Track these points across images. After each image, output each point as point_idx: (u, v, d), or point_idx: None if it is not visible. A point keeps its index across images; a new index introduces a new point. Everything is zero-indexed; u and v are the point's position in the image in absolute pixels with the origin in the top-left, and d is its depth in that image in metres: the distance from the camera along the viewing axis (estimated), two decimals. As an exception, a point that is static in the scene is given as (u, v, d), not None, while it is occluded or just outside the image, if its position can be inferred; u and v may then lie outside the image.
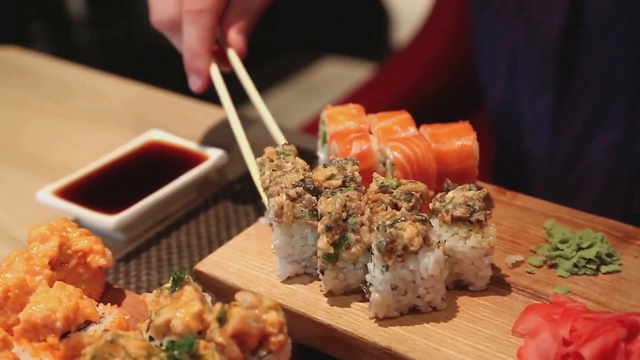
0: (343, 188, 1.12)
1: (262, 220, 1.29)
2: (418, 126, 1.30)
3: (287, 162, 1.20)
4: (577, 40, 1.61)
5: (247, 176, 1.59)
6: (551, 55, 1.66)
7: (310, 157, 1.58)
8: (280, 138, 1.34)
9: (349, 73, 4.49)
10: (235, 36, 1.45)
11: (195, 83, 1.43)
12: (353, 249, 1.08)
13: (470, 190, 1.11)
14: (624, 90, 1.59)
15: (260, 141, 1.72)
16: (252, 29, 1.51)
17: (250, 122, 1.82)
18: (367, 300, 1.08)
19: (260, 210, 1.48)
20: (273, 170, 1.18)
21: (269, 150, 1.24)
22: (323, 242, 1.07)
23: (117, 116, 1.88)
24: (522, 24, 1.71)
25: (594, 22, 1.58)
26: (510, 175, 1.87)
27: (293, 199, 1.12)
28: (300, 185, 1.12)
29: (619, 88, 1.59)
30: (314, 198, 1.12)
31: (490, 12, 1.82)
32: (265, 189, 1.17)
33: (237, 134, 1.39)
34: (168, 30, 1.45)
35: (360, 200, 1.10)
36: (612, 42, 1.57)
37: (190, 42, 1.40)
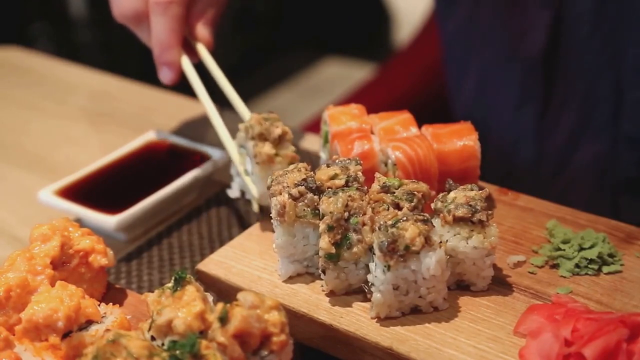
0: (345, 188, 1.12)
1: (230, 193, 1.32)
2: (420, 126, 1.30)
3: (276, 127, 1.21)
4: (559, 53, 1.61)
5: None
6: (534, 69, 1.65)
7: (312, 157, 1.58)
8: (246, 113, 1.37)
9: (350, 73, 4.49)
10: (202, 28, 1.45)
11: (166, 76, 1.43)
12: (355, 249, 1.08)
13: (472, 190, 1.11)
14: (606, 102, 1.59)
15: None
16: (219, 19, 1.50)
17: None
18: (369, 300, 1.09)
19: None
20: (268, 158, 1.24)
21: (255, 116, 1.25)
22: (325, 242, 1.07)
23: (119, 116, 1.88)
24: (498, 41, 1.70)
25: (575, 34, 1.58)
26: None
27: (295, 198, 1.12)
28: (303, 185, 1.12)
29: (601, 99, 1.59)
30: (316, 197, 1.12)
31: (455, 24, 1.81)
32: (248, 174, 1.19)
33: (214, 121, 1.40)
34: (133, 23, 1.43)
35: (362, 200, 1.10)
36: (593, 54, 1.57)
37: (160, 34, 1.39)
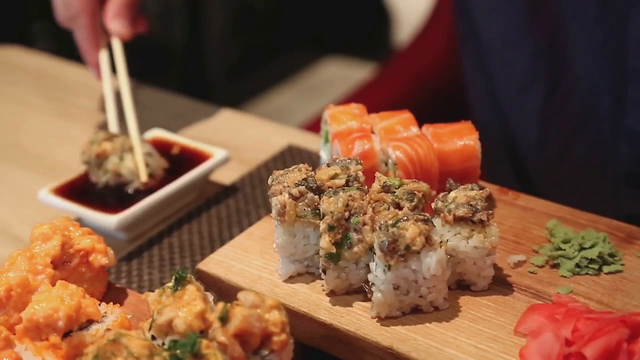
0: (346, 187, 1.12)
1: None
2: (420, 126, 1.30)
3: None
4: (565, 39, 1.62)
5: (248, 175, 1.59)
6: (542, 52, 1.66)
7: (312, 157, 1.59)
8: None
9: (350, 73, 4.49)
10: (113, 23, 1.62)
11: (92, 73, 1.67)
12: (355, 249, 1.08)
13: (472, 190, 1.11)
14: (607, 94, 1.60)
15: (261, 141, 1.73)
16: (135, 7, 1.64)
17: (251, 122, 1.82)
18: (369, 299, 1.09)
19: (266, 210, 1.48)
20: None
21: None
22: (325, 242, 1.07)
23: (119, 116, 1.87)
24: (511, 18, 1.71)
25: (581, 23, 1.58)
26: (499, 173, 1.87)
27: (296, 198, 1.12)
28: (303, 184, 1.12)
29: (603, 92, 1.60)
30: (316, 197, 1.12)
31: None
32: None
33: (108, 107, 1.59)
34: (69, 27, 1.66)
35: (363, 200, 1.10)
36: (597, 46, 1.58)
37: (79, 42, 1.64)
